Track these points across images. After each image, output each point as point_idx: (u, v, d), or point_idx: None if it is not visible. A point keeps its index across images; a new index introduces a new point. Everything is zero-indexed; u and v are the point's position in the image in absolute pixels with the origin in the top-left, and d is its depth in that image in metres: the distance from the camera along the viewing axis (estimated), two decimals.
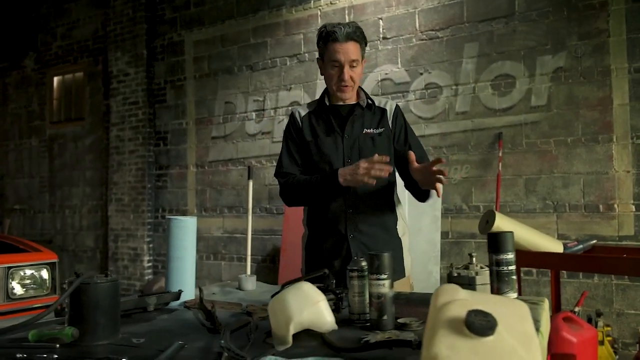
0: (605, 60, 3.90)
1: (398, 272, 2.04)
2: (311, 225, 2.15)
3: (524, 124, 4.16)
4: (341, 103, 2.10)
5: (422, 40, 4.59)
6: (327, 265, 1.95)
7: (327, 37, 2.02)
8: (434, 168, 1.77)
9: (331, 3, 5.03)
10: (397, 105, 2.16)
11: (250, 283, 1.98)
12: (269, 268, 5.33)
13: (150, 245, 6.15)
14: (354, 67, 2.02)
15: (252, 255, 5.33)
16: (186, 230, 1.75)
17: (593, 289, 3.87)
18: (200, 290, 1.59)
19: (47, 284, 3.56)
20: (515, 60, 4.21)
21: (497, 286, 1.33)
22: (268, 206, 5.36)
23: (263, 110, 5.41)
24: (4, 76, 7.77)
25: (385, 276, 1.36)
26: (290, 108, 5.23)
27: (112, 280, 1.37)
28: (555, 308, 2.87)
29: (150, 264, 6.15)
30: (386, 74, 4.74)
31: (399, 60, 4.67)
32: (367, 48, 4.66)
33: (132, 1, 6.24)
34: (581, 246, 2.83)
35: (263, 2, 5.44)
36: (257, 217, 5.39)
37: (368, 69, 4.81)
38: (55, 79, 7.22)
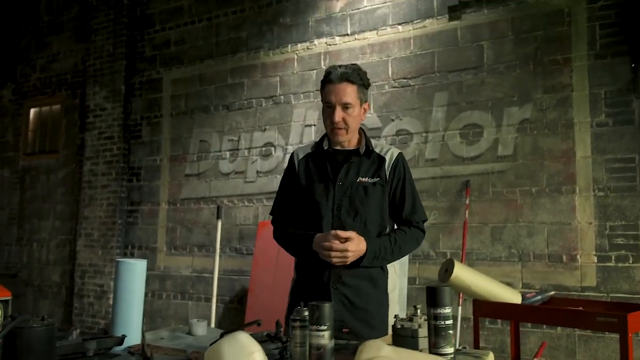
0: (568, 113, 4.02)
1: (379, 329, 1.97)
2: (299, 270, 2.10)
3: (491, 173, 4.24)
4: (339, 148, 2.05)
5: (395, 87, 4.69)
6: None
7: (324, 79, 2.01)
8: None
9: (308, 48, 5.14)
10: (399, 154, 2.08)
11: (201, 328, 1.96)
12: (236, 309, 5.25)
13: None
14: (347, 108, 1.95)
15: (219, 295, 5.28)
16: (134, 274, 1.73)
17: (556, 339, 3.88)
18: (143, 336, 1.56)
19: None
20: (483, 110, 4.32)
21: (434, 340, 1.33)
22: (238, 246, 5.32)
23: (237, 149, 5.44)
24: None
25: (325, 327, 1.36)
26: (264, 149, 5.27)
27: (49, 325, 1.34)
28: (515, 359, 2.87)
29: None
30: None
31: (372, 106, 4.76)
32: None
33: (113, 37, 6.31)
34: (539, 297, 2.85)
35: (241, 44, 5.54)
36: (227, 257, 5.34)
37: None
38: (32, 111, 7.19)
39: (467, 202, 4.23)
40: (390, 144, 4.63)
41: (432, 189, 4.44)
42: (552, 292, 2.88)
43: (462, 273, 2.67)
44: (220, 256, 5.36)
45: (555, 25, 4.12)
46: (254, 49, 5.46)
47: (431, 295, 1.35)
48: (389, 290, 2.07)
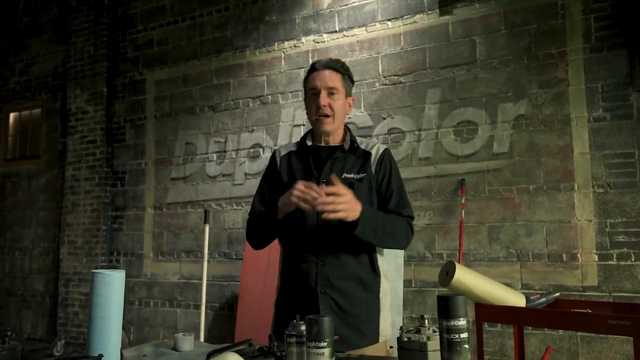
0: (565, 108, 3.91)
1: (370, 336, 1.86)
2: (284, 277, 1.97)
3: (487, 171, 4.12)
4: (324, 144, 1.96)
5: (385, 85, 4.56)
6: None
7: (309, 70, 1.97)
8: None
9: (295, 46, 4.99)
10: (385, 150, 2.00)
11: (187, 343, 1.80)
12: (226, 316, 5.09)
13: None
14: (333, 94, 1.90)
15: (209, 302, 5.12)
16: (111, 287, 1.57)
17: (558, 341, 3.77)
18: (121, 355, 1.41)
19: None
20: (477, 107, 4.20)
21: (448, 356, 1.19)
22: (227, 251, 5.16)
23: (224, 151, 5.28)
24: None
25: (325, 344, 1.21)
26: (252, 150, 5.12)
27: (12, 348, 1.18)
28: None
29: None
30: (349, 117, 4.67)
31: (362, 104, 4.63)
32: None
33: (94, 38, 6.12)
34: (544, 299, 2.72)
35: (227, 43, 5.38)
36: (216, 263, 5.18)
37: None
38: (12, 115, 6.98)
39: (463, 201, 4.11)
40: (382, 143, 4.51)
41: (427, 188, 4.31)
42: (557, 294, 2.75)
43: (464, 276, 2.52)
44: (209, 262, 5.19)
45: (549, 18, 4.01)
46: (240, 48, 5.30)
47: (443, 306, 1.21)
48: (380, 295, 1.94)
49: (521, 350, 2.80)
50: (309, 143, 1.98)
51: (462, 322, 1.19)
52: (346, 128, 2.03)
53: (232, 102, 5.29)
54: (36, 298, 6.40)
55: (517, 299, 2.65)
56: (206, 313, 5.14)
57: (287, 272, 1.95)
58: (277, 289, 2.00)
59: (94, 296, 1.56)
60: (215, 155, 5.33)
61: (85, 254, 5.92)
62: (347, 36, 4.77)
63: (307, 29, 4.96)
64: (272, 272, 4.38)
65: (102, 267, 5.83)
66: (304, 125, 4.85)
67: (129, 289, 5.69)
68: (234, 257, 5.10)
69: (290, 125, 4.93)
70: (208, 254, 5.15)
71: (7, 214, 6.79)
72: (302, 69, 4.92)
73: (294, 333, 1.31)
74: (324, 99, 1.89)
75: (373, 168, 1.93)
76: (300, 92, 4.91)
